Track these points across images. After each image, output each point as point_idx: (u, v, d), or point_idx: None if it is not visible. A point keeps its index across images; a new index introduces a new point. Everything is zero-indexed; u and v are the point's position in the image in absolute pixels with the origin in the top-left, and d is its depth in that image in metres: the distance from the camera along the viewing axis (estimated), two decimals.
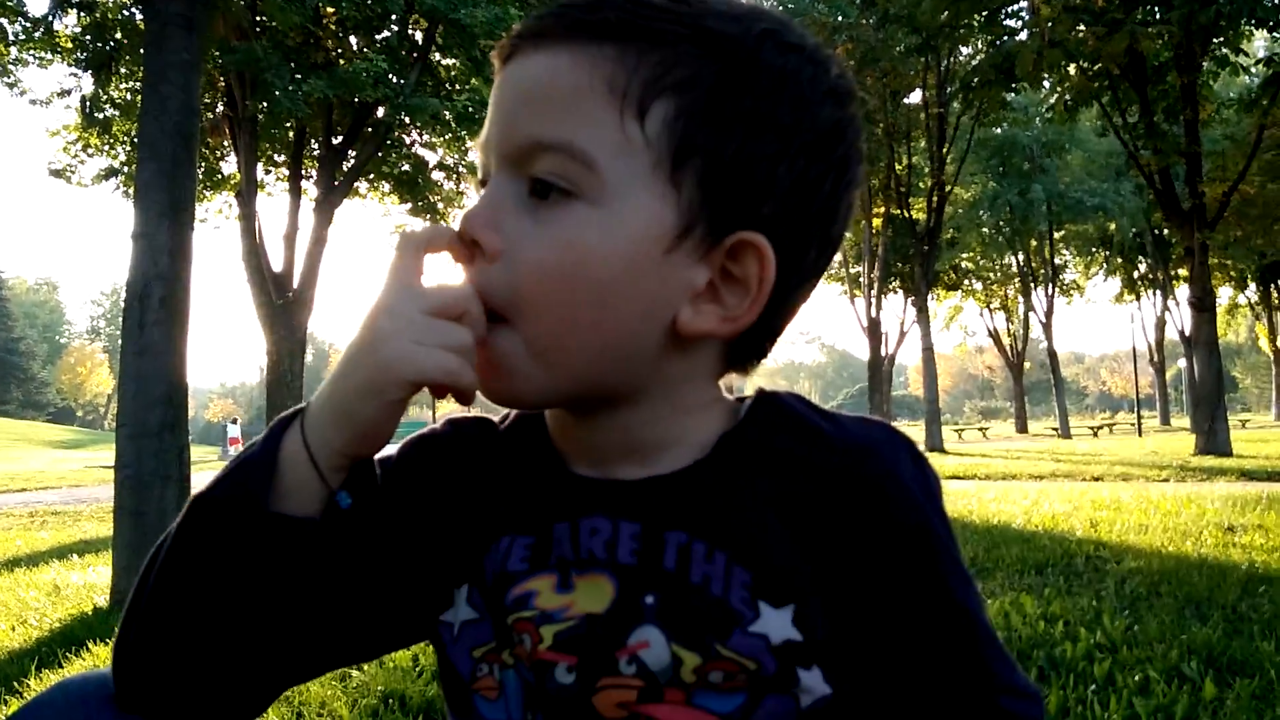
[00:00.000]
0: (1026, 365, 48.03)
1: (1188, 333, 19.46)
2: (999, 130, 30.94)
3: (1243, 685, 3.30)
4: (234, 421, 43.35)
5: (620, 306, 0.71)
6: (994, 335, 44.81)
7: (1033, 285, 40.60)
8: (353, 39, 17.95)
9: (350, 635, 0.77)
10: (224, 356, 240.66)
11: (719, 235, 0.72)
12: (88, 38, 15.79)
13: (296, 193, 18.17)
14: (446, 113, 17.44)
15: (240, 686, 0.74)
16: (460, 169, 21.09)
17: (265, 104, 15.92)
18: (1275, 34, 18.00)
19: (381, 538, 0.78)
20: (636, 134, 0.70)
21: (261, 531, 0.70)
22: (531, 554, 0.75)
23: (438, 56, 18.64)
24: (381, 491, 0.77)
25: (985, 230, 36.82)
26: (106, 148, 18.03)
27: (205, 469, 27.10)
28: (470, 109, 17.68)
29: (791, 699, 0.70)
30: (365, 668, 3.80)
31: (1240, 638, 3.94)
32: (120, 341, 5.90)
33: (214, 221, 19.03)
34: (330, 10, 16.82)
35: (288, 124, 17.76)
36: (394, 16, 17.25)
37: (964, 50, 23.27)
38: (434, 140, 19.83)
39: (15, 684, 3.71)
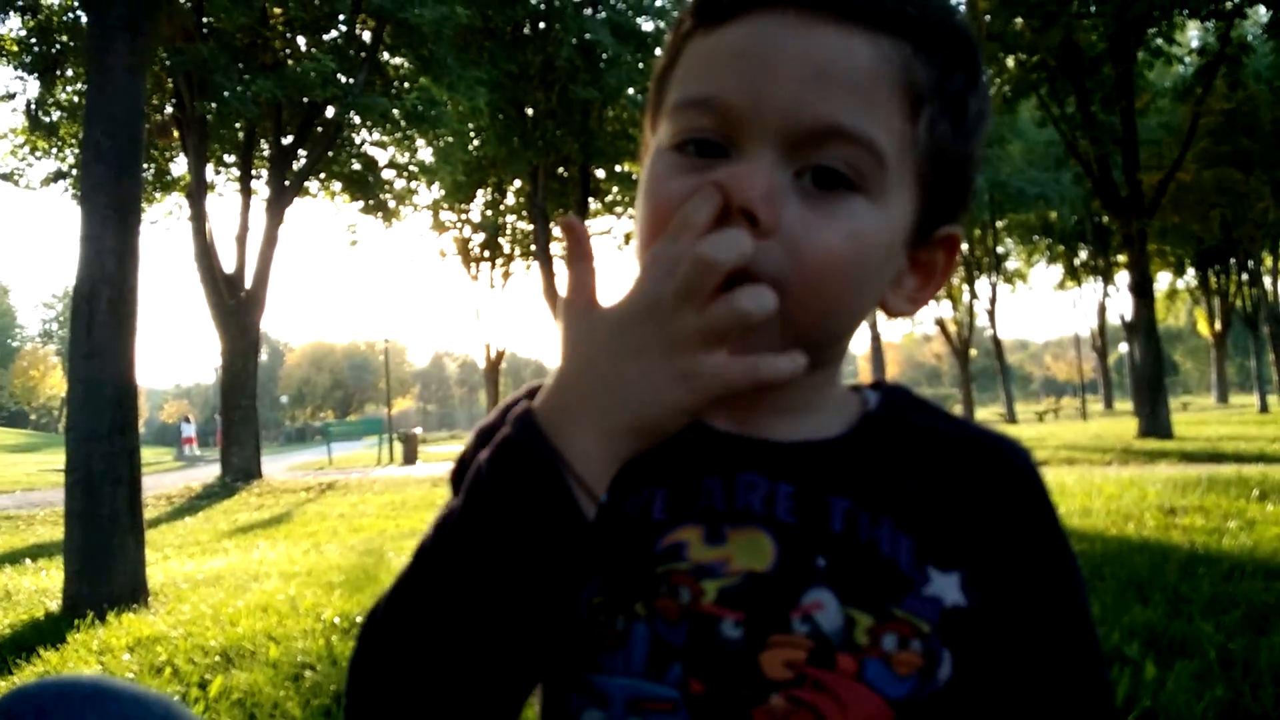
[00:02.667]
0: (972, 353, 48.74)
1: (1128, 318, 19.77)
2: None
3: (1182, 666, 3.36)
4: (187, 420, 42.40)
5: (869, 294, 0.74)
6: (940, 323, 45.44)
7: (977, 274, 41.22)
8: (300, 39, 17.88)
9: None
10: (179, 357, 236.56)
11: (932, 229, 0.76)
12: (32, 41, 15.56)
13: (247, 193, 18.05)
14: (396, 111, 17.40)
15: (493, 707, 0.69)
16: (411, 167, 21.04)
17: (214, 105, 15.78)
18: (1207, 24, 18.33)
19: None
20: (911, 135, 0.70)
21: (577, 542, 0.65)
22: (670, 505, 0.74)
23: (386, 56, 18.59)
24: None
25: None
26: (55, 151, 17.78)
27: (159, 470, 26.59)
28: (419, 107, 17.67)
29: (934, 681, 0.69)
30: (319, 667, 3.84)
31: (1180, 619, 4.02)
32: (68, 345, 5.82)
33: (165, 223, 18.83)
34: (278, 11, 16.76)
35: (237, 124, 17.66)
36: (341, 16, 17.23)
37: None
38: (384, 139, 19.78)
39: None
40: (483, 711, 0.68)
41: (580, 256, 0.68)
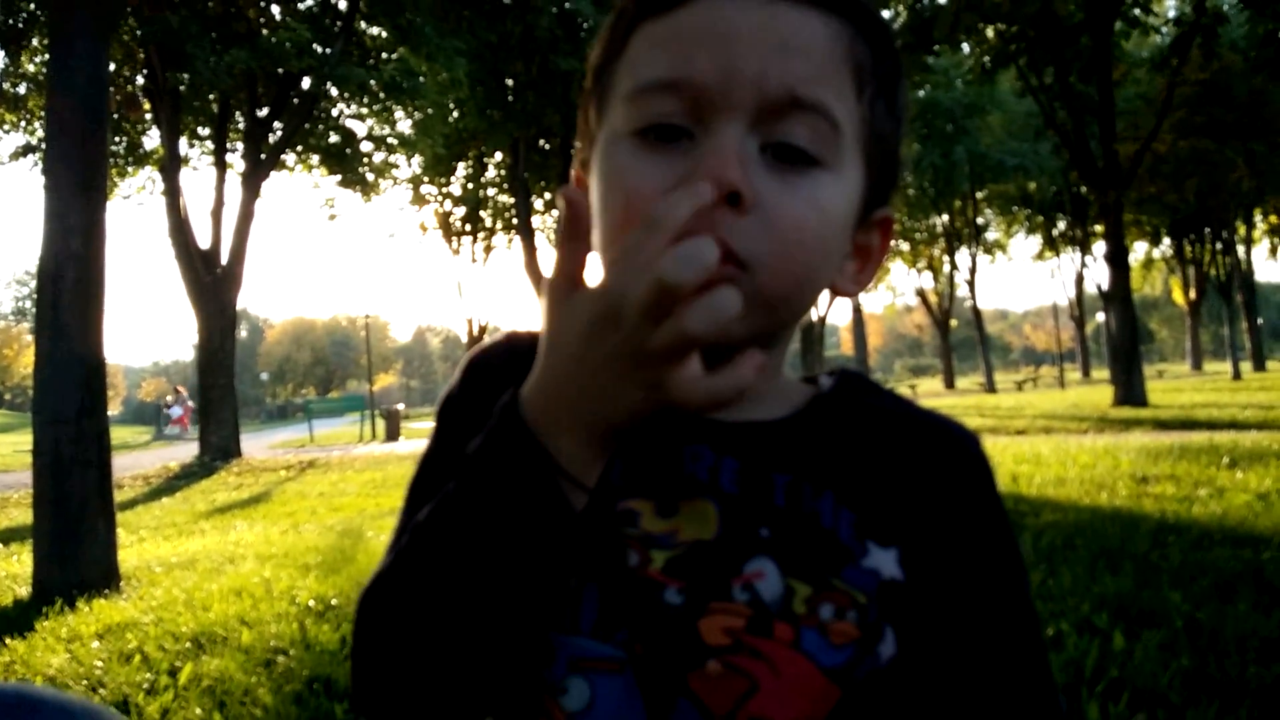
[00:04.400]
0: (953, 323, 49.01)
1: (1105, 288, 19.98)
2: (921, 93, 31.37)
3: (1150, 636, 3.42)
4: (168, 403, 40.93)
5: (828, 270, 0.75)
6: (921, 294, 45.62)
7: (957, 244, 41.34)
8: (275, 8, 17.52)
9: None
10: (158, 334, 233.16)
11: (870, 210, 0.78)
12: None
13: (222, 167, 17.80)
14: (373, 82, 17.13)
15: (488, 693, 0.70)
16: (390, 140, 20.78)
17: (186, 76, 15.49)
18: None
19: None
20: (859, 112, 0.72)
21: (568, 535, 0.67)
22: (625, 474, 0.75)
23: (363, 25, 18.27)
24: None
25: (910, 191, 37.42)
26: (23, 124, 17.47)
27: (136, 451, 26.27)
28: (398, 79, 17.40)
29: (876, 656, 0.70)
30: (291, 652, 3.82)
31: (1150, 588, 4.09)
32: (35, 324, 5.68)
33: (139, 198, 18.58)
34: None
35: (211, 96, 17.36)
36: None
37: (884, 13, 23.50)
38: (362, 111, 19.52)
39: None
40: (485, 685, 0.69)
41: (575, 235, 0.63)
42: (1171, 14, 21.83)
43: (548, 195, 26.58)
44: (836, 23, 0.71)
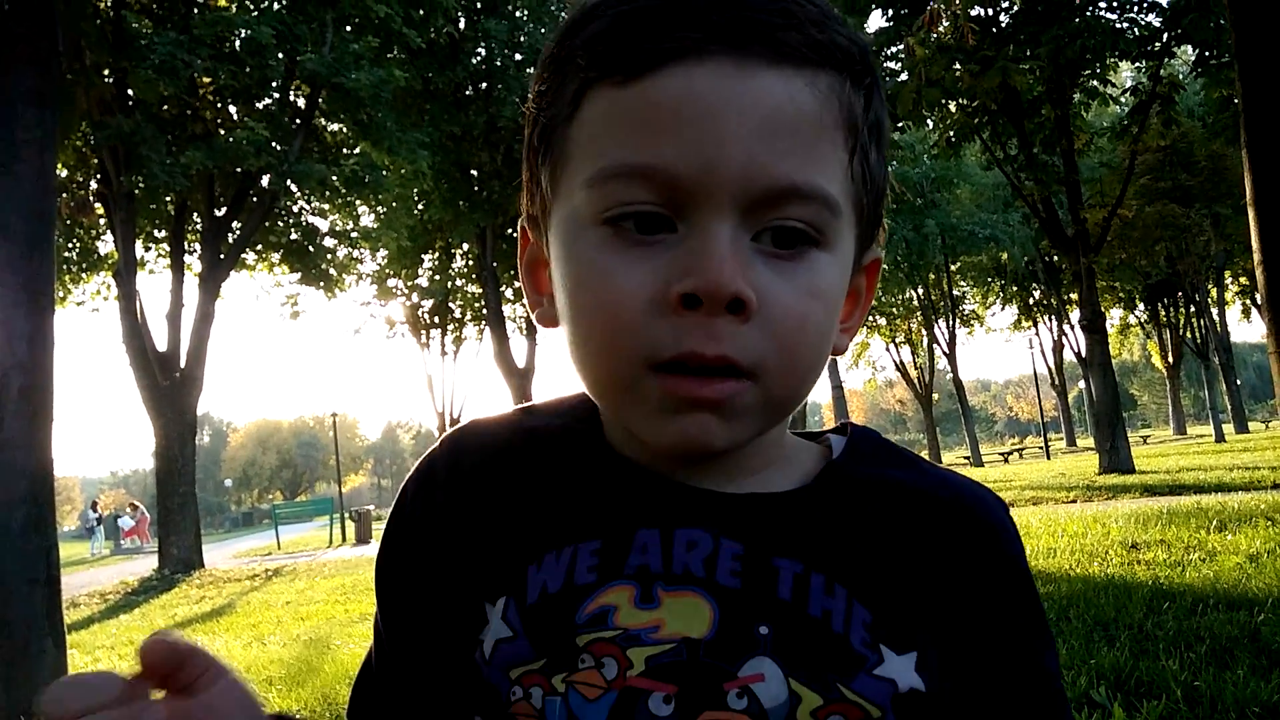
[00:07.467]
0: (935, 396, 48.93)
1: (1084, 354, 20.13)
2: (890, 168, 31.74)
3: (1150, 707, 3.37)
4: (128, 511, 39.95)
5: (828, 348, 0.70)
6: (901, 369, 45.63)
7: (934, 317, 41.50)
8: (232, 108, 17.56)
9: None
10: (116, 443, 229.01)
11: (861, 256, 0.73)
12: None
13: (180, 269, 17.58)
14: (334, 178, 17.12)
15: None
16: (353, 234, 20.66)
17: (141, 178, 15.41)
18: (1139, 64, 18.78)
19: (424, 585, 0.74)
20: (850, 169, 0.67)
21: None
22: (600, 561, 0.68)
23: (322, 122, 18.34)
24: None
25: (884, 266, 37.53)
26: None
27: (94, 566, 25.54)
28: (359, 173, 17.39)
29: None
30: None
31: (1147, 657, 4.03)
32: None
33: (93, 304, 18.28)
34: (207, 80, 16.43)
35: (167, 198, 17.25)
36: (274, 83, 16.96)
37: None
38: (323, 206, 19.42)
39: None
40: None
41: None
42: (1129, 83, 22.30)
43: (517, 284, 26.32)
44: (824, 78, 0.64)
